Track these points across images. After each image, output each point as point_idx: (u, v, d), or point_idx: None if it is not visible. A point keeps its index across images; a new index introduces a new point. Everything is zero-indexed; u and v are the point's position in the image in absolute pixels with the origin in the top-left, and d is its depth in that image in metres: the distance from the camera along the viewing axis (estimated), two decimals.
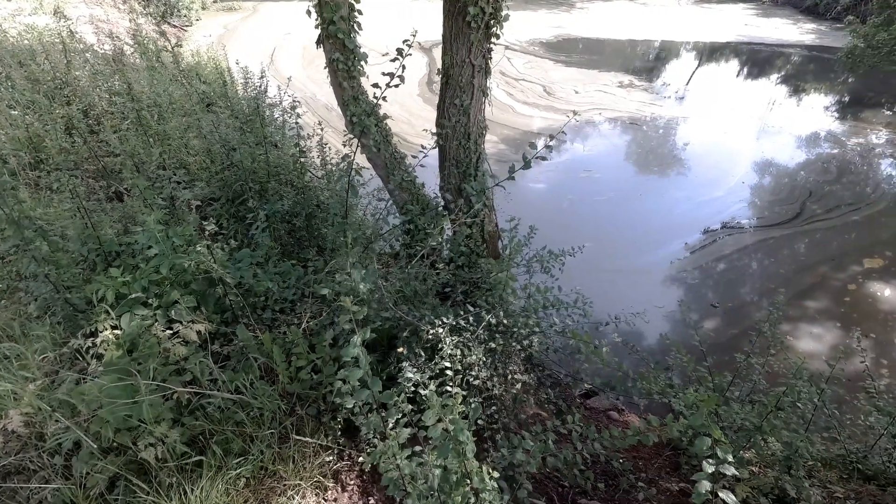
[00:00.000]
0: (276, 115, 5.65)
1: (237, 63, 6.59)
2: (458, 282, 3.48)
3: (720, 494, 1.47)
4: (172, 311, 2.39)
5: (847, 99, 12.89)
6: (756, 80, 14.40)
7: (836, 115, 12.05)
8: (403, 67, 2.75)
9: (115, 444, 1.92)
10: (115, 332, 2.22)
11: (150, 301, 2.41)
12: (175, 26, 15.50)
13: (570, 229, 7.04)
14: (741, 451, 2.62)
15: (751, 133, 10.62)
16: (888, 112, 11.81)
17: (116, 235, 2.81)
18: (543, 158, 2.73)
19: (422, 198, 3.90)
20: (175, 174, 3.63)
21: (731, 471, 1.49)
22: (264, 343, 2.43)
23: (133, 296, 2.38)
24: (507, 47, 14.49)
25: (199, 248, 2.33)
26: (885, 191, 8.49)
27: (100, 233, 2.69)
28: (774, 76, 14.78)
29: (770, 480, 2.53)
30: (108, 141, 4.03)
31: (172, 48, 6.64)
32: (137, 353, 2.17)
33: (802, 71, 15.03)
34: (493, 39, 3.22)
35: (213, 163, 4.01)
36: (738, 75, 14.85)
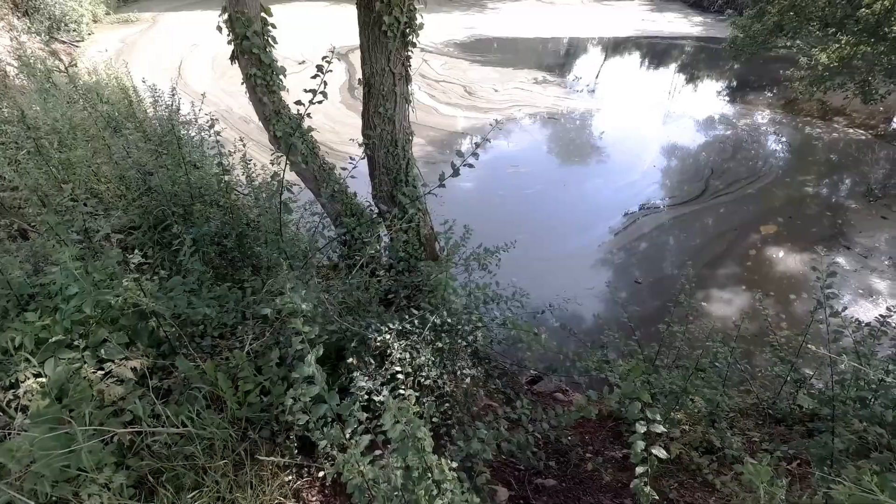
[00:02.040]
0: (193, 134, 5.41)
1: (143, 81, 6.23)
2: (400, 287, 3.54)
3: (653, 451, 1.65)
4: (102, 350, 2.27)
5: (735, 84, 14.27)
6: (657, 71, 15.57)
7: (726, 99, 13.31)
8: (325, 83, 2.76)
9: (54, 498, 1.81)
10: (40, 380, 2.07)
11: (75, 342, 2.27)
12: (64, 42, 14.24)
13: (504, 224, 7.30)
14: (672, 413, 2.89)
15: (657, 119, 11.49)
16: (769, 94, 13.20)
17: (27, 277, 2.61)
18: (470, 166, 2.85)
19: (355, 207, 3.91)
20: (86, 205, 3.40)
21: (660, 429, 1.67)
22: (207, 371, 2.36)
23: (55, 339, 2.23)
24: (423, 50, 14.66)
25: (126, 283, 2.23)
26: (773, 164, 9.51)
27: (8, 275, 2.48)
28: (672, 66, 16.06)
29: (698, 435, 2.82)
30: (3, 174, 3.70)
31: (66, 68, 6.15)
32: (68, 399, 2.04)
33: (695, 60, 16.42)
34: (410, 47, 3.30)
35: (128, 189, 3.79)
36: (640, 66, 15.97)
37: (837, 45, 10.57)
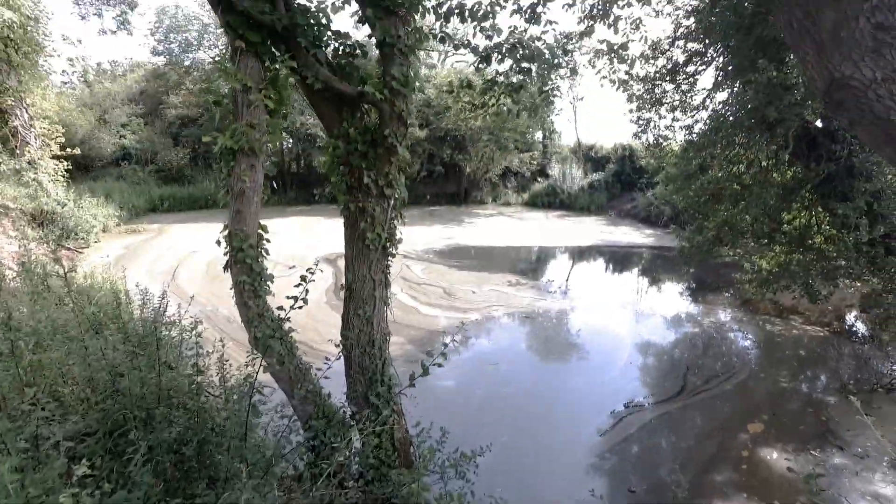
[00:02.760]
0: (175, 335, 5.48)
1: (136, 285, 6.55)
2: (369, 500, 3.23)
3: None
4: None
5: (694, 286, 15.52)
6: (621, 274, 17.01)
7: (689, 299, 14.32)
8: (307, 291, 2.99)
9: None
10: None
11: None
12: (69, 249, 15.24)
13: (485, 426, 6.98)
14: None
15: (628, 318, 12.09)
16: (727, 294, 14.30)
17: None
18: (439, 365, 2.93)
19: (328, 408, 3.81)
20: (44, 409, 3.25)
21: None
22: None
23: None
24: (405, 256, 16.02)
25: (62, 500, 2.03)
26: (744, 361, 9.76)
27: None
28: (634, 270, 17.62)
29: None
30: None
31: (66, 273, 6.49)
32: None
33: (655, 265, 18.12)
34: (390, 257, 3.68)
35: (93, 392, 3.68)
36: (606, 270, 17.46)
37: (773, 254, 11.92)
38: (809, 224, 11.65)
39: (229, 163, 3.03)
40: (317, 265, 3.18)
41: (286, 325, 3.55)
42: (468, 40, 4.21)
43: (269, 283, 3.45)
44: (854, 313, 12.54)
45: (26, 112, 17.30)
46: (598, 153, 34.05)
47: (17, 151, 17.02)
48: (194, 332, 4.06)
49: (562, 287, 14.30)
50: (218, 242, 3.29)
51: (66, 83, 33.78)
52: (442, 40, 3.89)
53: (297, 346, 3.79)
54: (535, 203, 32.26)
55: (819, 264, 11.28)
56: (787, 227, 11.79)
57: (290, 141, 29.04)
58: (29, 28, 16.16)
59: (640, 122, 12.72)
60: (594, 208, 30.17)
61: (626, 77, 11.89)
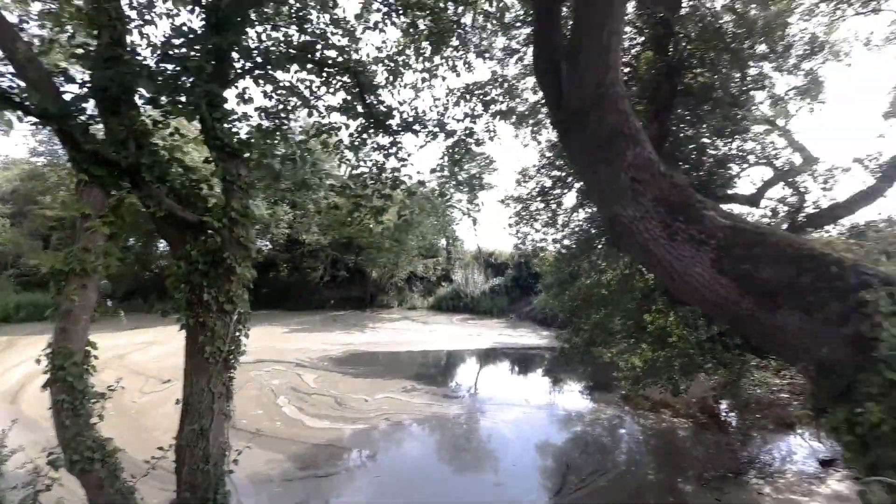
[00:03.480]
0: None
1: None
2: None
3: None
4: None
5: (585, 384, 16.44)
6: (519, 375, 17.64)
7: (579, 397, 15.14)
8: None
9: None
10: None
11: None
12: None
13: None
14: None
15: (518, 418, 12.39)
16: (610, 393, 15.28)
17: None
18: None
19: None
20: None
21: None
22: None
23: None
24: (298, 365, 15.46)
25: None
26: (620, 455, 10.33)
27: None
28: (538, 370, 18.43)
29: None
30: None
31: None
32: None
33: (554, 365, 18.96)
34: (232, 370, 3.78)
35: None
36: (504, 372, 18.04)
37: (641, 352, 13.20)
38: (666, 325, 13.24)
39: (59, 283, 3.11)
40: (167, 383, 3.21)
41: (111, 445, 3.41)
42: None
43: (93, 401, 3.36)
44: (715, 404, 13.91)
45: None
46: (497, 259, 36.43)
47: None
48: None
49: (458, 390, 14.46)
50: (38, 360, 3.22)
51: None
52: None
53: (123, 468, 3.59)
54: (440, 307, 33.07)
55: (679, 360, 12.67)
56: (650, 327, 13.27)
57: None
58: None
59: (519, 235, 14.16)
60: (496, 311, 31.55)
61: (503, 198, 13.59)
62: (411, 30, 5.96)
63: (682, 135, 11.39)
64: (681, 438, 11.41)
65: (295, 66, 4.93)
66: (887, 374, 2.86)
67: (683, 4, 10.16)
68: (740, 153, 11.13)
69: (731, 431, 12.17)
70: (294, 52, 4.88)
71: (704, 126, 11.33)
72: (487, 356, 20.17)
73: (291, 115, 5.60)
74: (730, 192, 11.89)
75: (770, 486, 8.58)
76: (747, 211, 12.06)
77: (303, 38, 5.00)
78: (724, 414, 13.39)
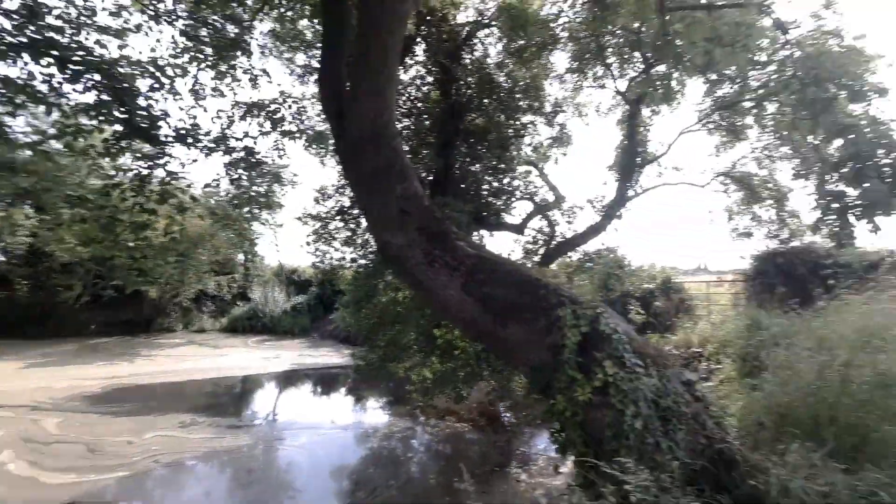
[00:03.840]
0: None
1: None
2: None
3: None
4: None
5: (391, 398, 16.94)
6: (328, 395, 17.31)
7: (386, 410, 15.60)
8: None
9: None
10: None
11: None
12: None
13: None
14: None
15: (312, 440, 12.13)
16: (407, 406, 16.06)
17: None
18: None
19: None
20: None
21: None
22: None
23: None
24: (35, 408, 12.47)
25: None
26: (410, 464, 10.97)
27: None
28: (341, 389, 18.23)
29: None
30: None
31: None
32: None
33: (357, 383, 18.92)
34: None
35: None
36: (314, 393, 17.53)
37: (431, 364, 14.27)
38: (453, 338, 14.62)
39: None
40: None
41: None
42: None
43: None
44: (491, 407, 15.80)
45: None
46: (301, 276, 35.22)
47: None
48: None
49: (253, 418, 13.49)
50: None
51: None
52: None
53: None
54: (234, 328, 30.37)
55: (462, 371, 14.07)
56: (439, 341, 14.46)
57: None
58: None
59: (318, 253, 14.06)
60: (298, 331, 30.37)
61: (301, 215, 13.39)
62: (184, 39, 5.54)
63: (466, 169, 12.89)
64: (462, 441, 12.65)
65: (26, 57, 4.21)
66: (569, 372, 3.77)
67: (464, 56, 11.65)
68: (509, 188, 13.11)
69: (507, 430, 13.98)
70: (25, 41, 4.17)
71: (483, 163, 13.01)
72: (288, 379, 19.27)
73: (20, 112, 4.73)
74: (503, 221, 13.86)
75: (526, 473, 10.14)
76: (515, 238, 14.25)
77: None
78: (502, 415, 15.27)
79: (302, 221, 14.15)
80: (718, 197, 15.18)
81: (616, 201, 13.57)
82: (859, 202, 5.23)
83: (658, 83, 10.00)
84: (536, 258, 13.77)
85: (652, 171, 14.32)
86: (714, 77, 10.44)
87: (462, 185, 12.23)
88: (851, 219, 5.43)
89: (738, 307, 14.83)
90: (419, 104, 12.57)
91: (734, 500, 3.23)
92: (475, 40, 12.01)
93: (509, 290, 4.51)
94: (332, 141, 12.01)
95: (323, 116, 10.63)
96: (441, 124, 11.59)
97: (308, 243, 13.88)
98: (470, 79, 11.98)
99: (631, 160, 13.50)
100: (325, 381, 19.44)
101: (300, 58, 10.81)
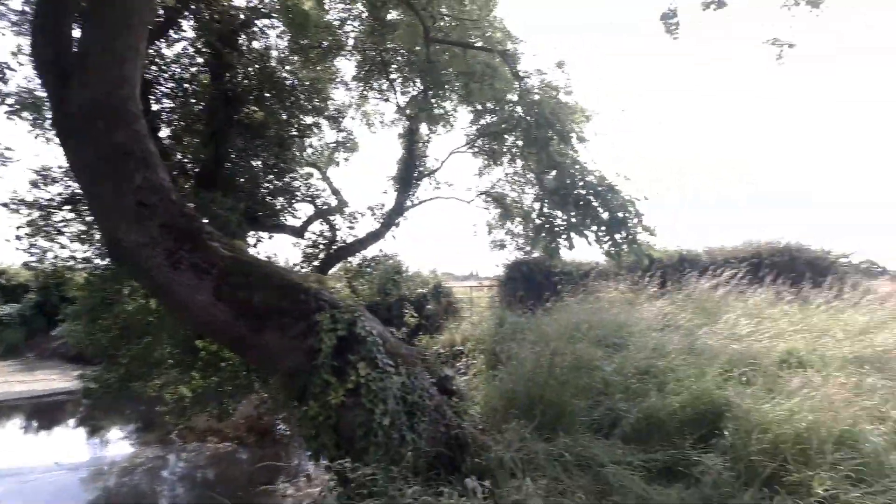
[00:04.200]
0: None
1: None
2: None
3: None
4: None
5: (140, 424, 14.15)
6: (49, 430, 13.65)
7: (132, 440, 13.00)
8: None
9: None
10: None
11: None
12: None
13: None
14: None
15: (68, 480, 9.55)
16: (156, 431, 13.76)
17: None
18: None
19: None
20: None
21: None
22: None
23: None
24: None
25: None
26: (160, 496, 9.44)
27: None
28: (69, 421, 14.54)
29: None
30: None
31: None
32: None
33: (93, 411, 15.24)
34: None
35: None
36: (26, 431, 13.69)
37: (191, 380, 12.58)
38: (219, 349, 13.16)
39: None
40: None
41: None
42: None
43: None
44: (261, 421, 14.76)
45: None
46: (10, 280, 27.27)
47: None
48: None
49: None
50: None
51: None
52: None
53: None
54: None
55: (231, 384, 12.77)
56: (202, 353, 12.83)
57: None
58: None
59: (34, 250, 11.13)
60: (3, 351, 23.45)
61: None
62: None
63: (242, 164, 11.86)
64: (225, 462, 11.50)
65: None
66: (324, 376, 3.76)
67: (241, 43, 10.77)
68: (288, 189, 12.56)
69: (278, 443, 13.20)
70: None
71: (261, 159, 12.19)
72: None
73: None
74: (282, 223, 13.19)
75: (293, 486, 9.75)
76: (295, 241, 13.72)
77: None
78: (276, 428, 14.34)
79: (10, 209, 11.01)
80: (481, 212, 17.28)
81: (395, 210, 14.30)
82: (563, 224, 6.76)
83: (431, 105, 10.93)
84: (317, 262, 13.50)
85: (428, 184, 15.55)
86: (478, 107, 11.94)
87: (236, 182, 11.23)
88: (559, 238, 6.94)
89: (492, 308, 17.17)
90: (186, 86, 11.10)
91: (462, 478, 3.68)
92: (254, 29, 11.21)
93: (269, 293, 4.27)
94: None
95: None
96: (211, 112, 10.45)
97: (19, 237, 10.85)
98: (249, 69, 11.13)
99: (409, 172, 14.43)
100: (44, 412, 15.43)
101: None
